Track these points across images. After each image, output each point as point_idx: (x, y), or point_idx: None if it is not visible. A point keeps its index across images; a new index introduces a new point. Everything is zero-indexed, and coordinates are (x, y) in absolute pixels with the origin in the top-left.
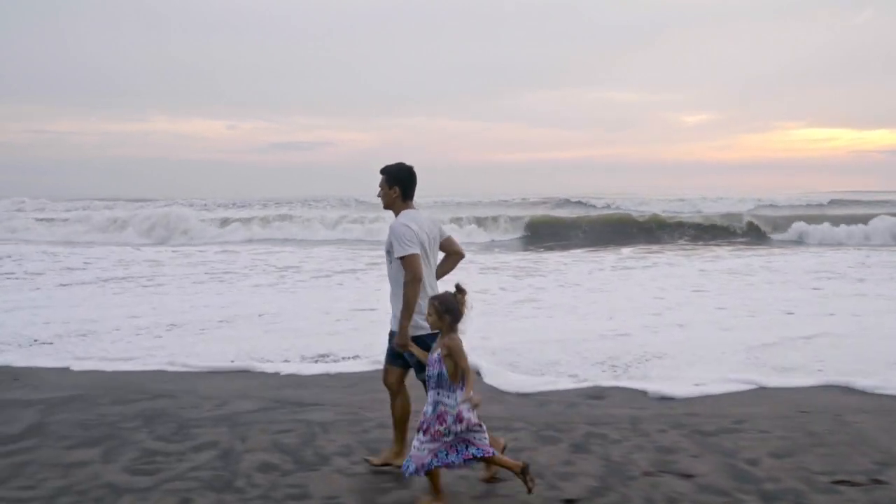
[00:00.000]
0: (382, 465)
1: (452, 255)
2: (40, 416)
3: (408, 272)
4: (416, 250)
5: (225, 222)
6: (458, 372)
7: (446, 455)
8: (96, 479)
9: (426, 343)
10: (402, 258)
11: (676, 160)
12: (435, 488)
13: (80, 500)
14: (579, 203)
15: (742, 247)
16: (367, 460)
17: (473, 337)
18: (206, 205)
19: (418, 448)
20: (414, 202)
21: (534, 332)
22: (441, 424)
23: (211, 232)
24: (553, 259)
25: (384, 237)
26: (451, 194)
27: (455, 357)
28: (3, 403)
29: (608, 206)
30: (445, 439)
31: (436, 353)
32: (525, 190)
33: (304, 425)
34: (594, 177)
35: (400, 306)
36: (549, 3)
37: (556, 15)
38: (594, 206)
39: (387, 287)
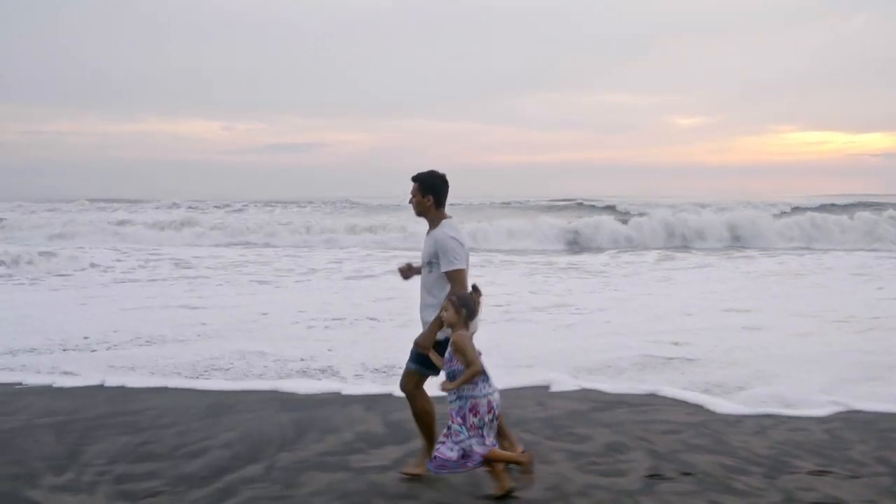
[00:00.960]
0: (415, 474)
1: None
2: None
3: (454, 286)
4: (463, 265)
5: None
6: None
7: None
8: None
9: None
10: (449, 272)
11: (674, 162)
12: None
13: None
14: (609, 207)
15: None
16: (403, 472)
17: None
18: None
19: (449, 447)
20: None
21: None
22: (475, 416)
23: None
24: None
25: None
26: (452, 196)
27: (461, 349)
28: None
29: (627, 212)
30: (481, 431)
31: (447, 352)
32: (526, 192)
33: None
34: (592, 179)
35: (432, 315)
36: (546, 7)
37: (554, 19)
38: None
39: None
